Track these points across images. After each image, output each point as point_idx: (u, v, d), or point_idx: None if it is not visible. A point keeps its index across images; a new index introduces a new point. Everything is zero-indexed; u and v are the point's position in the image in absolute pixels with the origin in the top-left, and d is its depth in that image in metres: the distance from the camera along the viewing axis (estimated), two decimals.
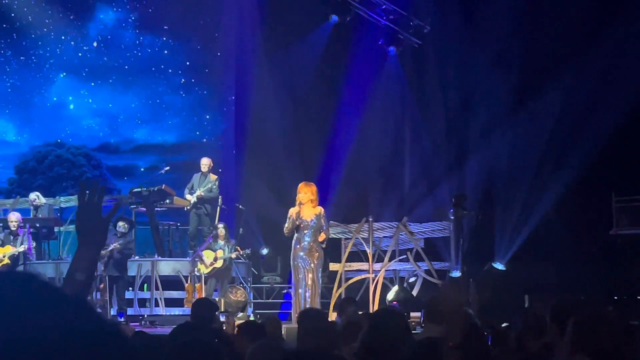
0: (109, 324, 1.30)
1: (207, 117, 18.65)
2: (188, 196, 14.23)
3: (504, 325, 8.70)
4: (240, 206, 15.16)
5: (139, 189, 14.56)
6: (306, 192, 10.48)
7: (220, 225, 13.38)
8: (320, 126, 16.71)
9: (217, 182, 14.29)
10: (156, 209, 14.58)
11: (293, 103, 16.88)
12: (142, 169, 14.11)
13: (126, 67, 18.71)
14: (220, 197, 14.25)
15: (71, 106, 18.99)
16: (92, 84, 18.87)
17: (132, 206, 14.64)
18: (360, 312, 7.42)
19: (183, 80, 18.60)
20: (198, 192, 14.13)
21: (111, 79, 18.75)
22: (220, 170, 16.65)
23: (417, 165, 16.34)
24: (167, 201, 14.44)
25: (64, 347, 1.22)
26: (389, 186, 16.25)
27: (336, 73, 16.76)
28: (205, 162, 14.45)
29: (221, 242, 13.21)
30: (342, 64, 16.68)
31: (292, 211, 10.50)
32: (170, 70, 18.67)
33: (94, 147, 18.79)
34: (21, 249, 12.68)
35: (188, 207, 14.33)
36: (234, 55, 17.66)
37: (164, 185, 14.49)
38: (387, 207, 15.67)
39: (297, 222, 10.45)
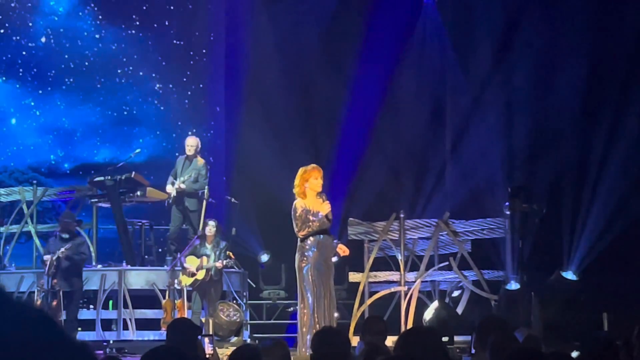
0: (73, 340, 1.49)
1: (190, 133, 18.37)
2: (169, 187, 14.13)
3: (575, 354, 8.55)
4: (233, 199, 15.11)
5: (102, 178, 14.48)
6: (320, 179, 10.17)
7: (211, 223, 13.23)
8: (335, 98, 16.66)
9: (205, 169, 14.10)
10: (124, 203, 14.49)
11: (298, 68, 16.98)
12: None
13: (84, 69, 18.50)
14: (207, 187, 14.08)
15: (13, 120, 18.84)
16: (40, 91, 18.67)
17: (92, 200, 14.62)
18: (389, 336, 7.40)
19: (158, 85, 18.36)
20: (178, 183, 13.98)
21: (64, 85, 18.53)
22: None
23: (462, 144, 16.22)
24: (139, 193, 14.42)
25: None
26: (425, 172, 16.22)
27: (355, 30, 16.75)
28: (191, 143, 14.30)
29: (209, 246, 13.08)
30: (363, 16, 16.52)
31: (302, 204, 10.10)
32: (141, 73, 18.45)
33: (44, 171, 18.61)
34: None
35: (169, 201, 14.18)
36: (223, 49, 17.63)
37: (134, 173, 14.42)
38: (422, 199, 15.72)
39: (312, 219, 10.06)
